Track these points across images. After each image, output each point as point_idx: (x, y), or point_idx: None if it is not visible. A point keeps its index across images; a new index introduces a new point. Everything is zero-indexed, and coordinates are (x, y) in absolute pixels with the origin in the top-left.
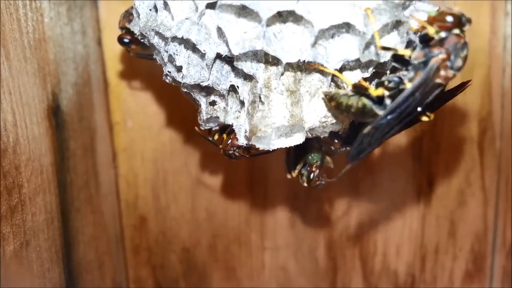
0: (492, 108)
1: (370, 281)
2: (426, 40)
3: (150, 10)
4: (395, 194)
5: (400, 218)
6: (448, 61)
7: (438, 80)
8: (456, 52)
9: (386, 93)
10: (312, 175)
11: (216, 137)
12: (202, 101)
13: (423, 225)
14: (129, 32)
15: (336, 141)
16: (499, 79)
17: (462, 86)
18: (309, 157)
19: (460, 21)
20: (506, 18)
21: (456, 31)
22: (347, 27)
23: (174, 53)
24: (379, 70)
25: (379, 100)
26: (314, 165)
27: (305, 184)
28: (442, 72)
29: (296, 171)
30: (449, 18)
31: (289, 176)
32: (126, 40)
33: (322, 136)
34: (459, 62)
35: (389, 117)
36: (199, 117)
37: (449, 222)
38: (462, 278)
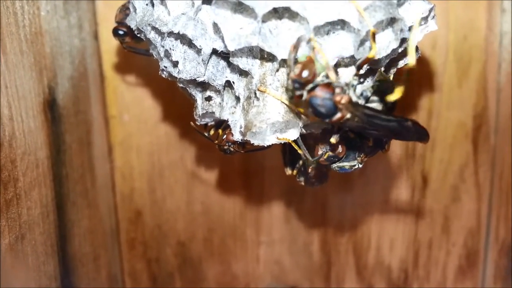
0: (487, 104)
1: (364, 275)
2: None
3: (147, 4)
4: (389, 189)
5: (394, 213)
6: None
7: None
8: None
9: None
10: (308, 177)
11: (211, 132)
12: (198, 96)
13: (416, 220)
14: (125, 25)
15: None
16: (495, 75)
17: None
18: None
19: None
20: (503, 15)
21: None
22: (342, 24)
23: (170, 48)
24: (373, 67)
25: None
26: (310, 168)
27: (302, 184)
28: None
29: (295, 171)
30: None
31: (287, 172)
32: (120, 32)
33: (317, 133)
34: None
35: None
36: (194, 112)
37: (442, 217)
38: (455, 274)
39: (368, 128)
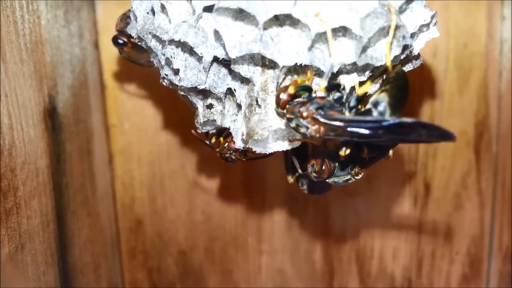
0: (488, 111)
1: (367, 284)
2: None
3: (148, 13)
4: (392, 198)
5: (397, 221)
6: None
7: None
8: None
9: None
10: (311, 185)
11: (213, 140)
12: (199, 104)
13: (419, 228)
14: (125, 33)
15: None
16: (495, 82)
17: None
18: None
19: None
20: (503, 22)
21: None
22: (343, 30)
23: (171, 56)
24: (376, 73)
25: None
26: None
27: (305, 192)
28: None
29: (295, 177)
30: None
31: (290, 180)
32: (120, 41)
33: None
34: None
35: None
36: (196, 120)
37: (445, 225)
38: (459, 282)
39: (352, 138)
